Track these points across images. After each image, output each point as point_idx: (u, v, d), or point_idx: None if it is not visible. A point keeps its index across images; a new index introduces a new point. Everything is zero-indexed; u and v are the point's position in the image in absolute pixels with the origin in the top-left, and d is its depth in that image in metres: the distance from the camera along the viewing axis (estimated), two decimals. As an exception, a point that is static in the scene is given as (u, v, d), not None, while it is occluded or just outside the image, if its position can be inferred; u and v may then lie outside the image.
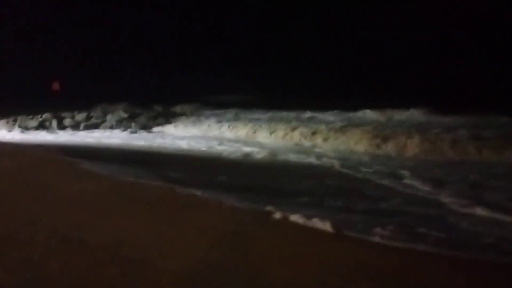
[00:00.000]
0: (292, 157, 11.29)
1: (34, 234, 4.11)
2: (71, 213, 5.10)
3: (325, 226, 5.18)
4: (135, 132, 18.80)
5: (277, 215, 5.68)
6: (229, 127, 17.23)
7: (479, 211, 6.14)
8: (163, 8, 32.60)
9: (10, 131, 18.07)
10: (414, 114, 17.93)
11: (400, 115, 18.02)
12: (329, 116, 19.07)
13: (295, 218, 5.50)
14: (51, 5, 32.43)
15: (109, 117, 20.83)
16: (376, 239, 4.92)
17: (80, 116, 20.53)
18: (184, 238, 4.55)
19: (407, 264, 4.19)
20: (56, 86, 25.66)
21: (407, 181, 8.21)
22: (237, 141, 15.07)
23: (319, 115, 19.31)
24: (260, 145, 13.73)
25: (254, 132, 15.96)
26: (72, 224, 4.61)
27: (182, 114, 22.86)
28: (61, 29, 32.46)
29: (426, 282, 3.74)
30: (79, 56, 31.33)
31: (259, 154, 11.90)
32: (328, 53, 27.69)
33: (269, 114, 20.57)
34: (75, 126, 19.72)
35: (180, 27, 32.54)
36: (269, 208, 6.11)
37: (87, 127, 19.59)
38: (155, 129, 19.34)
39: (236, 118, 20.16)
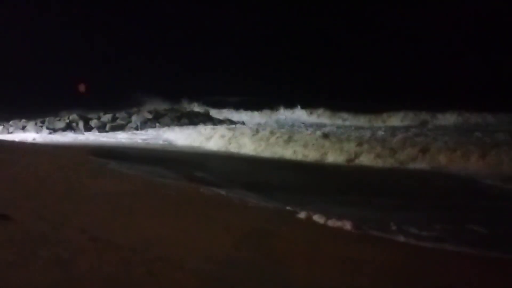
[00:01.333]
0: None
1: (64, 234, 4.20)
2: (99, 213, 5.19)
3: (346, 225, 5.17)
4: (158, 132, 19.00)
5: (301, 215, 5.69)
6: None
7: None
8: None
9: (38, 132, 18.46)
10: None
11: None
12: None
13: (319, 217, 5.50)
14: (78, 7, 33.01)
15: (134, 118, 21.10)
16: (399, 238, 4.88)
17: (106, 117, 20.84)
18: (210, 237, 4.58)
19: (436, 264, 4.14)
20: (82, 88, 26.13)
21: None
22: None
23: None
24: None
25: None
26: (100, 224, 4.69)
27: (205, 115, 22.99)
28: (87, 30, 33.03)
29: (453, 282, 3.69)
30: (105, 57, 31.78)
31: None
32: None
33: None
34: (101, 127, 20.03)
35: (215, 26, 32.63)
36: (292, 207, 6.13)
37: (112, 128, 19.88)
38: (177, 129, 19.52)
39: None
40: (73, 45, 32.35)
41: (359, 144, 11.54)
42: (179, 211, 5.67)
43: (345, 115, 23.50)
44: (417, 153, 10.39)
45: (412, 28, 25.91)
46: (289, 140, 12.81)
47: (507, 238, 5.09)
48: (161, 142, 16.45)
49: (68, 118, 20.34)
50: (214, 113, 24.26)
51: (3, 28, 30.87)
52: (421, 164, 10.03)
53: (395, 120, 21.09)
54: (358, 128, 17.50)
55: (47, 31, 31.70)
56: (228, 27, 31.93)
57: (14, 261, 3.46)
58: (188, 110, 23.86)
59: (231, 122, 21.95)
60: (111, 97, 24.58)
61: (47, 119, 20.12)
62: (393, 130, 15.50)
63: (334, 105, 23.69)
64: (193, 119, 21.74)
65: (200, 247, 4.20)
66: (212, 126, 19.01)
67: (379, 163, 10.50)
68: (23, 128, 19.15)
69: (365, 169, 10.42)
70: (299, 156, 11.90)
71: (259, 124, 20.81)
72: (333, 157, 11.33)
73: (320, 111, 24.74)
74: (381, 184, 8.78)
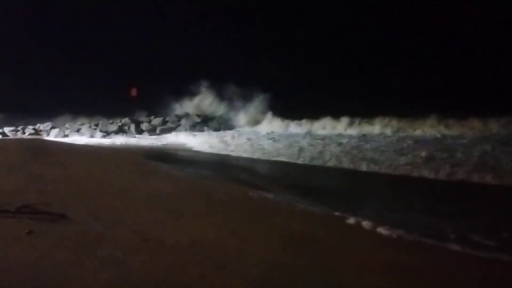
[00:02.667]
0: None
1: (117, 234, 4.32)
2: (150, 214, 5.31)
3: (396, 232, 5.05)
4: (205, 135, 19.26)
5: (350, 220, 5.62)
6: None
7: None
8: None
9: (92, 135, 19.15)
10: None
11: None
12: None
13: (368, 223, 5.41)
14: (129, 15, 33.96)
15: (183, 121, 21.52)
16: (455, 247, 4.71)
17: (156, 121, 21.37)
18: (258, 240, 4.59)
19: (491, 276, 3.98)
20: (134, 92, 26.86)
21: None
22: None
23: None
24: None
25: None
26: (152, 225, 4.80)
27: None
28: (136, 38, 33.90)
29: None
30: (155, 62, 32.50)
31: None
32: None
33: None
34: (152, 130, 20.54)
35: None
36: (341, 212, 6.05)
37: (163, 131, 20.34)
38: (222, 133, 19.71)
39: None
40: (127, 48, 33.27)
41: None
42: (228, 213, 5.72)
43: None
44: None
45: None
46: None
47: None
48: (207, 145, 16.65)
49: (120, 121, 20.99)
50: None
51: (62, 30, 32.21)
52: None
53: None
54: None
55: (103, 36, 32.77)
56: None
57: (71, 260, 3.59)
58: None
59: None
60: (161, 101, 25.13)
61: (100, 122, 20.84)
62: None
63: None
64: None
65: (249, 250, 4.22)
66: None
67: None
68: (78, 130, 19.91)
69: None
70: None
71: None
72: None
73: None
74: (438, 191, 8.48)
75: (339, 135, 17.47)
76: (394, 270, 3.95)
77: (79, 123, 20.87)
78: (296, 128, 19.84)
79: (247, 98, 24.32)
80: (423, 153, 11.10)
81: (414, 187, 8.54)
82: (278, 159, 12.31)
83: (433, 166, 9.76)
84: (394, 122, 19.38)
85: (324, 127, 19.48)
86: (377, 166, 10.33)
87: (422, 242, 4.86)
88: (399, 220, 5.68)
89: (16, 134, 19.78)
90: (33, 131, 20.19)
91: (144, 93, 28.01)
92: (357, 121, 19.56)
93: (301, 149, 13.56)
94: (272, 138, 16.92)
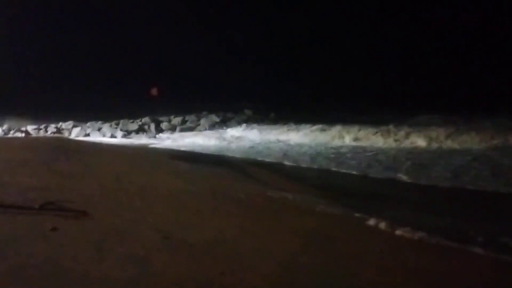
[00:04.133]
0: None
1: (139, 231, 4.36)
2: (171, 212, 5.35)
3: (417, 234, 5.00)
4: (226, 135, 19.31)
5: (371, 222, 5.58)
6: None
7: None
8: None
9: (114, 133, 19.38)
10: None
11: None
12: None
13: (388, 225, 5.36)
14: (151, 17, 34.31)
15: (202, 121, 21.65)
16: (480, 250, 4.63)
17: (176, 120, 21.54)
18: (278, 240, 4.60)
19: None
20: (154, 91, 27.12)
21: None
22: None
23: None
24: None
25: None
26: (173, 223, 4.83)
27: (271, 119, 23.11)
28: (157, 37, 34.20)
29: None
30: (174, 63, 32.76)
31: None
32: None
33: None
34: (172, 130, 20.71)
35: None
36: (361, 213, 6.02)
37: (182, 131, 20.49)
38: (243, 132, 19.70)
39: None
40: (145, 48, 33.64)
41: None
42: (247, 213, 5.74)
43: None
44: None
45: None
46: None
47: None
48: (226, 143, 16.70)
49: (141, 121, 21.20)
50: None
51: (86, 30, 32.65)
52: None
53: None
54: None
55: (125, 36, 33.18)
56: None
57: (92, 256, 3.63)
58: (254, 114, 23.98)
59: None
60: (181, 101, 25.34)
61: (121, 121, 21.07)
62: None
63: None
64: (259, 123, 21.95)
65: (269, 249, 4.22)
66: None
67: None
68: (99, 129, 20.17)
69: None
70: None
71: None
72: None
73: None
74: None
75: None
76: (415, 273, 3.92)
77: (100, 121, 21.12)
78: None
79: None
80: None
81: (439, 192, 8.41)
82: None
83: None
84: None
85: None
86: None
87: (445, 245, 4.80)
88: (421, 222, 5.62)
89: (39, 133, 20.13)
90: (55, 130, 20.52)
91: (164, 93, 28.33)
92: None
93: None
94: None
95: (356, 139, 15.03)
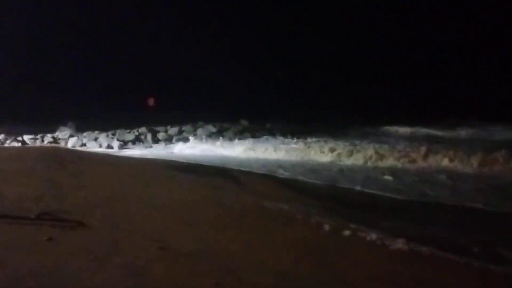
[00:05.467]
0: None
1: (135, 242, 4.39)
2: (168, 222, 5.37)
3: (408, 245, 5.04)
4: (221, 145, 19.32)
5: (365, 233, 5.61)
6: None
7: None
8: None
9: (110, 143, 19.36)
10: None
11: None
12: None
13: (382, 236, 5.39)
14: (149, 25, 34.49)
15: (199, 131, 21.66)
16: (470, 260, 4.67)
17: (172, 130, 21.54)
18: (273, 251, 4.62)
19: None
20: (151, 102, 27.19)
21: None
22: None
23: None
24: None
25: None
26: (170, 233, 4.86)
27: (267, 129, 23.13)
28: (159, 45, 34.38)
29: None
30: (172, 72, 32.86)
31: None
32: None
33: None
34: (168, 140, 20.71)
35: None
36: (356, 225, 6.04)
37: (179, 141, 20.48)
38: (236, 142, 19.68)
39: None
40: (141, 58, 33.77)
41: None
42: (242, 223, 5.76)
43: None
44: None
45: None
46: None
47: None
48: (222, 155, 16.68)
49: (137, 131, 21.19)
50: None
51: (82, 39, 32.73)
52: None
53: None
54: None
55: (122, 45, 33.31)
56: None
57: (89, 267, 3.66)
58: (251, 125, 24.01)
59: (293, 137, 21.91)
60: (178, 111, 25.40)
61: (117, 131, 21.07)
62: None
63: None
64: (255, 134, 21.98)
65: (263, 260, 4.25)
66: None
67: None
68: (96, 139, 20.15)
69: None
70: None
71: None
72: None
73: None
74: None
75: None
76: (409, 283, 3.94)
77: (96, 131, 21.12)
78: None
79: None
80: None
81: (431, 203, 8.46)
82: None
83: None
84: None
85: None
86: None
87: (439, 255, 4.83)
88: (414, 233, 5.66)
89: (35, 142, 20.10)
90: (52, 140, 20.49)
91: (161, 103, 28.41)
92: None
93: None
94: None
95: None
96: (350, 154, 13.88)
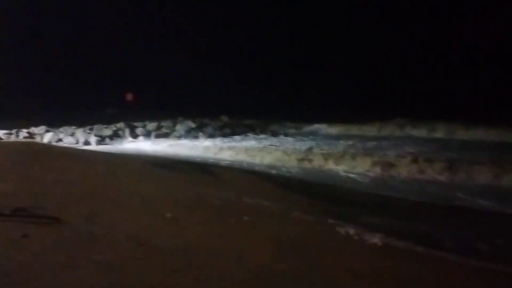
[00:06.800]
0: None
1: (113, 238, 4.33)
2: (146, 219, 5.31)
3: (387, 241, 5.10)
4: (201, 142, 19.25)
5: (342, 228, 5.66)
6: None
7: None
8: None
9: (87, 139, 19.09)
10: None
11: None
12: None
13: (359, 232, 5.45)
14: (125, 20, 34.09)
15: (178, 127, 21.50)
16: (445, 254, 4.77)
17: (151, 126, 21.33)
18: (254, 247, 4.61)
19: (480, 282, 4.03)
20: (129, 97, 26.87)
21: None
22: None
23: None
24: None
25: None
26: (148, 230, 4.80)
27: (248, 126, 23.09)
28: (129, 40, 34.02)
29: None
30: (151, 67, 32.55)
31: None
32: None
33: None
34: (147, 135, 20.52)
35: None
36: (335, 220, 6.09)
37: (157, 136, 20.31)
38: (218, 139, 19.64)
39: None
40: (120, 52, 33.39)
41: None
42: (223, 219, 5.73)
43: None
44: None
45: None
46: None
47: None
48: (201, 151, 16.57)
49: (115, 126, 20.93)
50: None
51: (60, 32, 32.20)
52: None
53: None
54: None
55: (99, 39, 32.85)
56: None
57: (65, 263, 3.59)
58: (231, 121, 23.92)
59: (273, 133, 21.93)
60: (157, 107, 25.18)
61: (95, 126, 20.76)
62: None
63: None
64: (235, 129, 21.95)
65: (245, 256, 4.24)
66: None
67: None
68: (72, 135, 19.84)
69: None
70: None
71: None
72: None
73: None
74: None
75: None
76: (386, 277, 3.99)
77: (73, 127, 20.77)
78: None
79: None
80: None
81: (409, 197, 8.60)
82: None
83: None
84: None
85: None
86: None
87: (415, 250, 4.91)
88: (391, 228, 5.74)
89: (10, 137, 19.68)
90: (27, 135, 20.09)
91: (140, 98, 28.10)
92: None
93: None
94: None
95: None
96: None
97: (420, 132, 19.08)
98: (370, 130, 20.87)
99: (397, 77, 25.09)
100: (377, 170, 10.98)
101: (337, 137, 19.43)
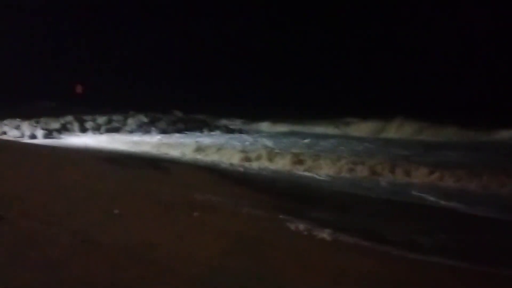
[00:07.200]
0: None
1: (56, 235, 4.18)
2: (91, 215, 5.17)
3: (336, 236, 5.19)
4: (153, 136, 18.96)
5: (293, 224, 5.71)
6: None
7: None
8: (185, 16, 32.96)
9: (34, 132, 18.36)
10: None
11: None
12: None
13: (309, 227, 5.51)
14: (76, 10, 33.09)
15: (129, 121, 21.04)
16: (391, 249, 4.90)
17: (101, 120, 20.77)
18: (203, 242, 4.58)
19: (422, 275, 4.17)
20: (79, 89, 26.07)
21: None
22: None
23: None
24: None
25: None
26: (93, 226, 4.67)
27: (202, 121, 22.93)
28: (83, 33, 33.13)
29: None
30: (103, 60, 31.79)
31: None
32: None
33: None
34: (96, 129, 19.96)
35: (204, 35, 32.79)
36: (285, 216, 6.14)
37: (108, 131, 19.82)
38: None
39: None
40: (69, 45, 32.45)
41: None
42: (172, 215, 5.66)
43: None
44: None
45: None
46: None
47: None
48: (154, 145, 16.30)
49: (63, 119, 20.24)
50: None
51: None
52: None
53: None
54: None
55: (44, 31, 31.78)
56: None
57: (4, 261, 3.44)
58: (185, 116, 23.65)
59: (227, 129, 21.89)
60: (108, 100, 24.58)
61: (42, 119, 20.01)
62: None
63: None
64: (189, 125, 21.72)
65: (193, 252, 4.20)
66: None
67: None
68: (18, 127, 19.03)
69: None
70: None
71: None
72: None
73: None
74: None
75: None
76: (335, 272, 4.05)
77: (18, 119, 19.92)
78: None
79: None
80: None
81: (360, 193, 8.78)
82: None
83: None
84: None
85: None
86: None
87: (363, 245, 5.02)
88: (341, 224, 5.85)
89: (-51, 130, 18.69)
90: (-32, 127, 19.15)
91: (90, 90, 27.33)
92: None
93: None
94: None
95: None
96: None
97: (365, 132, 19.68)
98: (318, 128, 21.38)
99: (344, 76, 25.71)
100: (325, 166, 11.11)
101: (283, 135, 19.73)
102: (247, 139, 18.04)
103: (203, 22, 32.57)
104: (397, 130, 18.95)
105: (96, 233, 4.39)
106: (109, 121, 20.84)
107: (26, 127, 18.87)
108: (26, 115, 20.26)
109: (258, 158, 12.27)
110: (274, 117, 23.36)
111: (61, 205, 5.45)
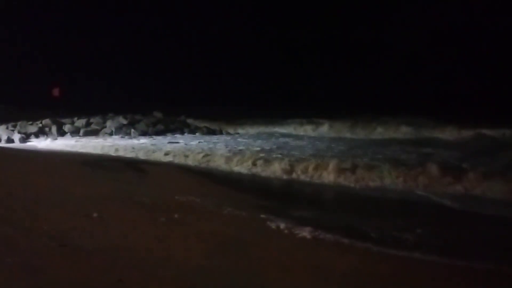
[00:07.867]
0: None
1: (33, 239, 4.12)
2: (70, 219, 5.10)
3: (316, 234, 5.22)
4: (133, 138, 18.80)
5: (274, 223, 5.72)
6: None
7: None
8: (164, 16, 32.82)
9: (10, 136, 18.03)
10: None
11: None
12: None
13: (292, 226, 5.53)
14: (54, 12, 32.65)
15: (108, 123, 20.79)
16: (370, 245, 4.95)
17: (79, 122, 20.50)
18: (183, 244, 4.56)
19: (402, 271, 4.21)
20: (56, 92, 25.65)
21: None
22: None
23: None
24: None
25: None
26: (71, 230, 4.61)
27: (182, 122, 22.84)
28: (62, 35, 32.70)
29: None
30: (80, 63, 31.43)
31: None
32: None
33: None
34: (75, 132, 19.70)
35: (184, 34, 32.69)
36: (266, 215, 6.14)
37: (86, 133, 19.58)
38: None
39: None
40: (46, 47, 32.00)
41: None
42: (152, 217, 5.62)
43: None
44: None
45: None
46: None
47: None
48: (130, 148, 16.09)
49: (41, 123, 19.93)
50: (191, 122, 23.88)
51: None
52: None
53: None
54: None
55: (19, 34, 31.31)
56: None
57: (-21, 268, 3.37)
58: (165, 117, 23.47)
59: (208, 130, 21.82)
60: (86, 103, 24.30)
61: (18, 123, 19.68)
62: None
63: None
64: (169, 126, 21.57)
65: (173, 254, 4.17)
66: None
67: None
68: (-7, 131, 18.68)
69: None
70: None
71: None
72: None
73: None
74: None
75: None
76: (316, 270, 4.07)
77: (-6, 123, 19.58)
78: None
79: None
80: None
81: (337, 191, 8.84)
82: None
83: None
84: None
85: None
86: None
87: (343, 242, 5.05)
88: (321, 221, 5.88)
89: None
90: None
91: (68, 93, 26.95)
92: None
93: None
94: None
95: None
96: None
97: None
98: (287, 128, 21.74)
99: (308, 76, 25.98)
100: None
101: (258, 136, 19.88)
102: (227, 140, 18.00)
103: (182, 23, 32.51)
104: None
105: (75, 237, 4.34)
106: (88, 124, 20.59)
107: (3, 131, 18.53)
108: (2, 119, 19.91)
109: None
110: (254, 118, 23.47)
111: (38, 209, 5.36)
